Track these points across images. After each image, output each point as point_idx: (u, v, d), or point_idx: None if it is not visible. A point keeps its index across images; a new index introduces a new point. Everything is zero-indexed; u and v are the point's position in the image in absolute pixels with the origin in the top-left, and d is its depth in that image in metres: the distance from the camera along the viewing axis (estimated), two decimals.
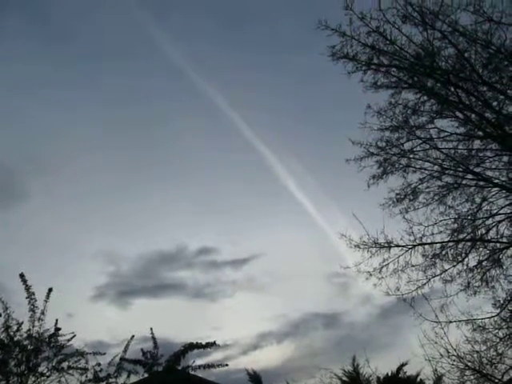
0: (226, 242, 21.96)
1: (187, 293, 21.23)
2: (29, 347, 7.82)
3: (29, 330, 7.79)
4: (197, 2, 22.50)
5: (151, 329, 9.07)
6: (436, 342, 11.32)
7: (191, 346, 8.75)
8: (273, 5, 21.16)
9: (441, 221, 12.04)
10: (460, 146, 12.05)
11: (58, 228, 20.35)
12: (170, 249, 21.31)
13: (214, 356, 10.24)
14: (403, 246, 11.84)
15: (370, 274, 12.02)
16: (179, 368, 10.14)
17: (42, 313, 7.91)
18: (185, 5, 22.32)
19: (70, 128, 22.48)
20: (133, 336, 8.97)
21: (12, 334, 7.76)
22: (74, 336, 8.33)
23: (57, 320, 8.20)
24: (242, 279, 21.95)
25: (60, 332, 8.23)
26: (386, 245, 11.91)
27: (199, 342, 9.18)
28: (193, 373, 10.29)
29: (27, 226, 19.82)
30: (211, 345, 8.94)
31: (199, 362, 10.14)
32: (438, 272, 11.75)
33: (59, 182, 21.59)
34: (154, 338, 8.96)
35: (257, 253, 21.30)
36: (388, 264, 11.90)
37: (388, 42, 10.99)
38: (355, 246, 12.02)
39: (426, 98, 11.77)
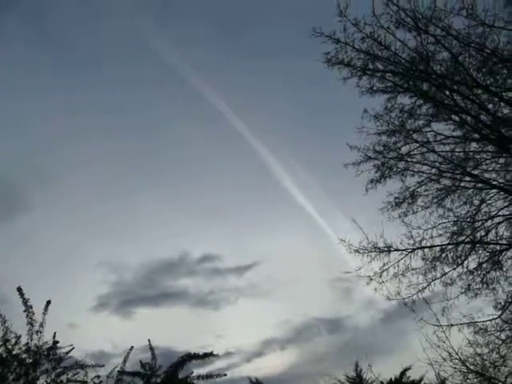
0: (229, 249, 21.97)
1: (190, 301, 21.22)
2: (27, 361, 7.82)
3: (27, 343, 7.80)
4: (196, 9, 22.61)
5: (149, 340, 9.05)
6: (438, 346, 11.31)
7: (189, 357, 8.73)
8: (272, 11, 21.31)
9: (440, 224, 12.05)
10: (457, 149, 12.10)
11: (59, 238, 20.40)
12: (172, 257, 21.32)
13: (217, 364, 10.21)
14: (403, 250, 11.83)
15: (371, 279, 12.01)
16: (179, 378, 10.10)
17: (41, 325, 7.92)
18: (184, 11, 22.43)
19: (70, 137, 22.59)
20: (132, 347, 8.96)
21: (10, 347, 7.76)
22: (73, 348, 8.33)
23: (55, 333, 8.20)
24: (245, 286, 21.94)
25: (59, 344, 8.24)
26: (386, 249, 11.90)
27: (197, 352, 9.17)
28: (194, 383, 10.24)
29: (29, 238, 19.87)
30: (209, 355, 8.91)
31: (201, 371, 10.11)
32: (439, 275, 11.75)
33: (60, 192, 21.67)
34: (151, 349, 8.94)
35: (259, 259, 21.29)
36: (388, 268, 11.89)
37: (382, 48, 11.04)
38: (355, 250, 12.03)
39: (421, 101, 11.82)
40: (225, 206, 23.49)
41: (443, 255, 11.75)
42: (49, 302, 7.99)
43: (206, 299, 21.38)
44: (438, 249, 11.81)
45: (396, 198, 12.43)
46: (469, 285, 11.61)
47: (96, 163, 22.76)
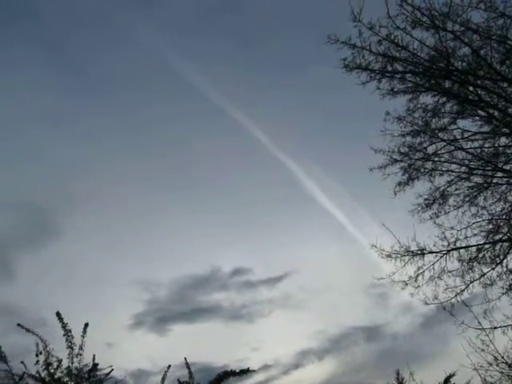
0: (259, 261, 21.88)
1: (224, 315, 21.19)
2: None
3: (68, 366, 7.98)
4: (214, 25, 22.96)
5: (185, 358, 9.06)
6: (483, 350, 10.83)
7: (226, 374, 8.67)
8: (285, 22, 21.39)
9: (474, 223, 11.72)
10: (486, 145, 11.78)
11: (91, 260, 20.81)
12: (204, 272, 21.38)
13: (256, 378, 10.15)
14: (437, 252, 11.53)
15: (406, 284, 11.74)
16: None
17: (80, 348, 8.08)
18: (202, 28, 22.79)
19: (94, 159, 23.09)
20: (169, 366, 8.99)
21: (52, 371, 7.96)
22: (112, 370, 8.45)
23: (94, 355, 8.35)
24: (278, 297, 21.73)
25: (99, 366, 8.39)
26: (419, 252, 11.63)
27: (234, 369, 9.08)
28: None
29: (62, 261, 20.37)
30: (246, 372, 8.83)
31: None
32: (477, 276, 11.36)
33: (89, 214, 22.12)
34: (188, 368, 8.92)
35: (291, 269, 21.10)
36: (423, 272, 11.61)
37: (400, 49, 10.90)
38: (387, 255, 11.81)
39: (445, 99, 11.60)
40: (252, 218, 23.49)
41: (480, 255, 11.40)
42: (87, 325, 8.15)
43: (239, 312, 21.33)
44: (474, 249, 11.47)
45: (426, 199, 12.20)
46: (510, 285, 11.17)
47: (121, 182, 23.20)
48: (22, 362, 7.77)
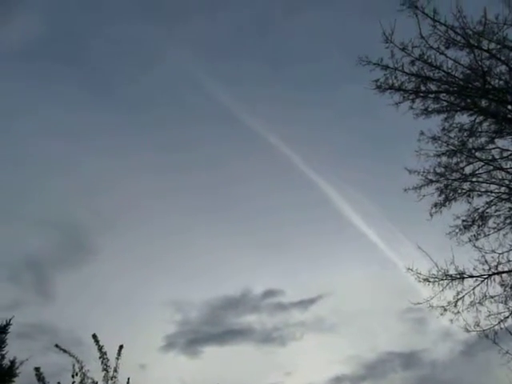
0: (292, 283, 21.61)
1: (255, 338, 20.95)
2: None
3: None
4: (244, 48, 23.38)
5: None
6: None
7: None
8: (315, 43, 21.62)
9: None
10: None
11: (124, 280, 21.12)
12: (235, 293, 21.30)
13: None
14: (477, 277, 11.06)
15: (445, 309, 11.27)
16: None
17: (115, 370, 8.18)
18: (232, 50, 23.25)
19: (125, 176, 23.56)
20: None
21: None
22: None
23: (128, 379, 8.42)
24: (311, 320, 21.34)
25: None
26: (458, 276, 11.19)
27: None
28: None
29: (96, 280, 20.77)
30: None
31: None
32: None
33: (121, 233, 22.55)
34: None
35: (323, 292, 20.73)
36: (463, 297, 11.13)
37: (434, 68, 10.80)
38: (424, 279, 11.42)
39: (481, 118, 11.32)
40: (285, 240, 23.34)
41: None
42: (121, 347, 8.26)
43: (271, 335, 21.03)
44: None
45: (464, 220, 11.78)
46: None
47: (153, 202, 23.57)
48: (59, 383, 7.91)
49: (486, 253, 11.16)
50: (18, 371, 9.99)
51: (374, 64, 10.74)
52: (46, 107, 22.52)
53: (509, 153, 11.41)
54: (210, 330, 20.86)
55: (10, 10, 20.64)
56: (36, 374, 7.67)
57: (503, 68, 10.49)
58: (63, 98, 22.92)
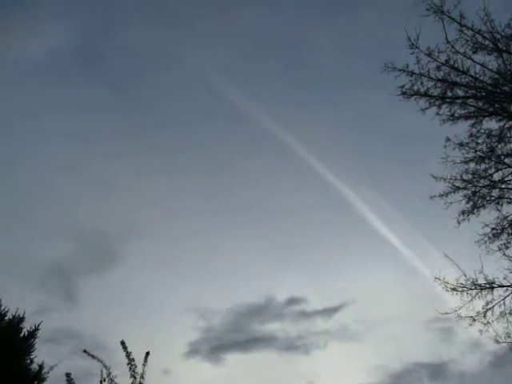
0: (315, 291, 21.38)
1: (279, 345, 20.81)
2: None
3: None
4: (259, 47, 23.33)
5: None
6: None
7: None
8: (339, 45, 21.50)
9: None
10: None
11: (149, 286, 21.34)
12: (259, 300, 21.22)
13: None
14: (508, 286, 10.78)
15: (474, 319, 11.02)
16: None
17: (142, 376, 8.24)
18: (246, 49, 23.19)
19: (140, 178, 23.67)
20: None
21: None
22: None
23: None
24: (334, 329, 21.05)
25: None
26: (488, 286, 10.92)
27: None
28: None
29: (122, 287, 21.07)
30: None
31: None
32: None
33: (143, 238, 22.72)
34: None
35: (348, 300, 20.45)
36: (493, 307, 10.86)
37: (460, 73, 10.64)
38: (452, 289, 11.19)
39: (511, 123, 11.06)
40: (308, 246, 23.12)
41: None
42: (148, 353, 8.32)
43: (294, 344, 20.86)
44: None
45: (493, 228, 11.48)
46: None
47: (169, 204, 23.60)
48: None
49: None
50: (46, 376, 10.23)
51: (400, 70, 10.65)
52: (53, 110, 22.96)
53: None
54: (234, 337, 20.85)
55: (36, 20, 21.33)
56: (67, 380, 7.77)
57: None
58: (74, 100, 23.24)
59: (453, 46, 10.48)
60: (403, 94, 10.91)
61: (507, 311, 10.74)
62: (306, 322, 21.43)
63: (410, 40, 10.46)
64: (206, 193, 23.57)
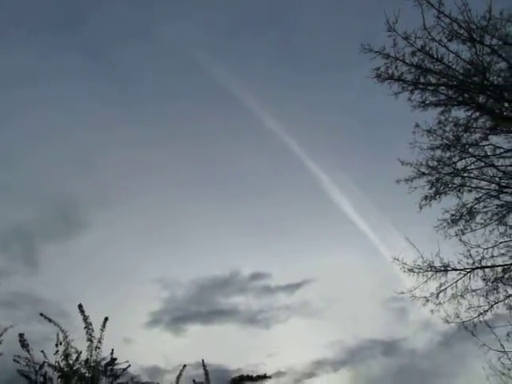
0: (280, 266, 21.71)
1: (241, 319, 21.14)
2: (87, 375, 8.16)
3: (87, 358, 8.13)
4: (255, 38, 23.08)
5: (203, 360, 9.10)
6: (504, 374, 10.54)
7: (241, 379, 8.69)
8: (318, 28, 21.33)
9: (501, 242, 11.37)
10: None
11: (113, 255, 21.15)
12: (223, 273, 21.40)
13: None
14: (461, 270, 11.28)
15: (427, 300, 11.51)
16: None
17: (99, 341, 8.24)
18: (241, 41, 22.95)
19: (116, 150, 23.32)
20: (185, 366, 9.05)
21: (71, 362, 8.12)
22: (129, 366, 8.58)
23: (113, 350, 8.50)
24: (296, 304, 21.53)
25: (117, 361, 8.53)
26: (443, 268, 11.39)
27: (250, 374, 9.08)
28: None
29: (84, 253, 20.77)
30: (262, 377, 8.82)
31: None
32: (502, 297, 11.05)
33: (113, 208, 22.40)
34: (205, 370, 8.96)
35: (310, 277, 20.88)
36: (445, 289, 11.37)
37: (434, 61, 10.77)
38: (409, 269, 11.61)
39: (478, 114, 11.36)
40: (276, 223, 23.32)
41: (506, 276, 11.08)
42: (106, 319, 8.31)
43: (256, 317, 21.24)
44: (500, 269, 11.16)
45: (452, 215, 11.91)
46: None
47: (144, 177, 23.33)
48: (42, 351, 7.95)
49: (471, 247, 11.38)
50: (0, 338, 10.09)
51: (376, 52, 10.69)
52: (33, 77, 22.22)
53: (502, 150, 11.49)
54: (196, 308, 20.99)
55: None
56: (20, 340, 7.68)
57: (503, 65, 10.52)
58: (54, 67, 22.52)
59: (429, 33, 10.56)
60: (378, 76, 10.99)
61: (458, 293, 11.27)
62: (269, 297, 21.82)
63: (388, 23, 10.49)
64: (180, 166, 23.32)
